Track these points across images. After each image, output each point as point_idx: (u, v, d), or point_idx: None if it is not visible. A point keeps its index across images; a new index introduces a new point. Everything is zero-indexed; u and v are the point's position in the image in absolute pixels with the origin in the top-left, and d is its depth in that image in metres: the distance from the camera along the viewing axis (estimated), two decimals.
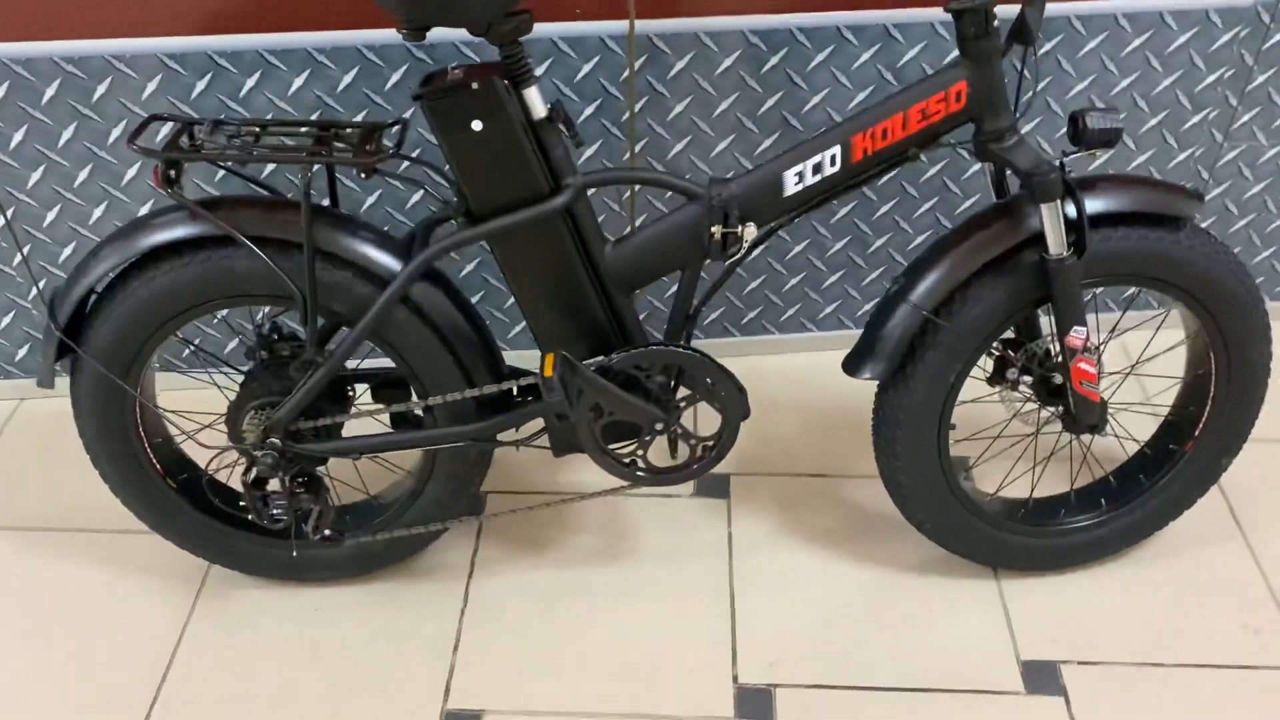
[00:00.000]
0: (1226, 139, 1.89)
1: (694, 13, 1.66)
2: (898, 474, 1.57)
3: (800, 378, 2.07)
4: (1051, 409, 1.58)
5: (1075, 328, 1.43)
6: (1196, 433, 1.61)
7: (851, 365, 1.51)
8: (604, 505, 1.81)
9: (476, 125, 1.30)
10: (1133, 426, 1.81)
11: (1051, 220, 1.36)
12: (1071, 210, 1.37)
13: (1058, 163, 1.40)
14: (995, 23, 1.30)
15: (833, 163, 1.38)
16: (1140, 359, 1.74)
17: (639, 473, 1.55)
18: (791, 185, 1.39)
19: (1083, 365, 1.47)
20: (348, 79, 1.67)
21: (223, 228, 1.35)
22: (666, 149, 1.80)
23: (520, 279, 1.43)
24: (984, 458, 1.82)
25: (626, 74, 1.71)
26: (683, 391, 1.52)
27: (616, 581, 1.69)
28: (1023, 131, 1.37)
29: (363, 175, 1.34)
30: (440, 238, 1.38)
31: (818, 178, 1.39)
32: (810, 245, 1.94)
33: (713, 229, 1.39)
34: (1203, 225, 1.94)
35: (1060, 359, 1.48)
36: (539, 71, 1.69)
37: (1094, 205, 1.40)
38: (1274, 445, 1.62)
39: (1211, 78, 1.81)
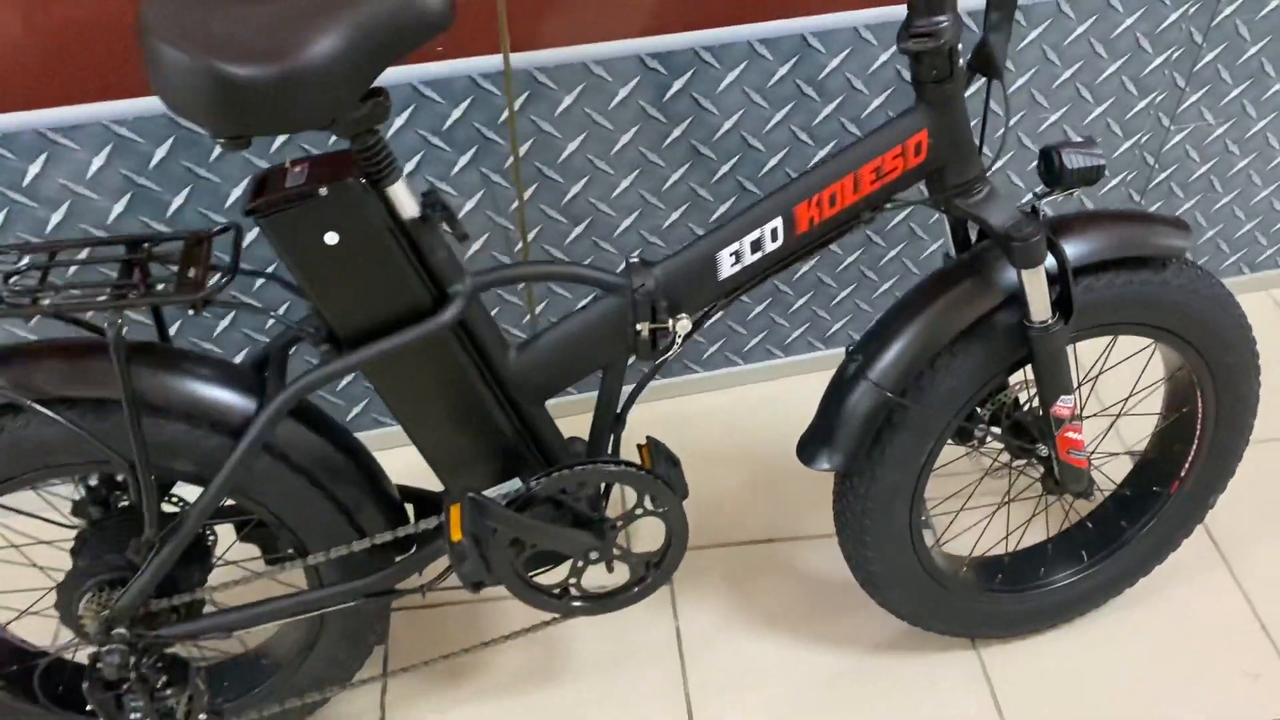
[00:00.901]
0: (1173, 122, 1.71)
1: (579, 39, 1.38)
2: (868, 563, 1.37)
3: (731, 419, 1.86)
4: (1024, 460, 1.40)
5: (1062, 397, 1.24)
6: (1182, 473, 1.45)
7: (807, 452, 1.29)
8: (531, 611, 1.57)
9: (330, 238, 1.02)
10: (1106, 468, 1.65)
11: (1035, 287, 1.16)
12: (1051, 261, 1.17)
13: (1030, 207, 1.19)
14: (960, 61, 1.08)
15: (774, 237, 1.14)
16: (1122, 407, 1.56)
17: (574, 603, 1.31)
18: (728, 267, 1.15)
19: (1070, 434, 1.28)
20: (161, 152, 1.35)
21: (7, 394, 1.05)
22: (560, 193, 1.53)
23: (406, 408, 1.17)
24: (954, 515, 1.63)
25: (506, 115, 1.43)
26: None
27: (554, 709, 1.46)
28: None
29: (191, 311, 1.05)
30: (303, 366, 1.10)
31: (758, 255, 1.15)
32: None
33: (638, 325, 1.15)
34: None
35: (1044, 425, 1.29)
36: (399, 121, 1.40)
37: (1074, 253, 1.20)
38: (1246, 466, 1.47)
39: (1159, 60, 1.62)
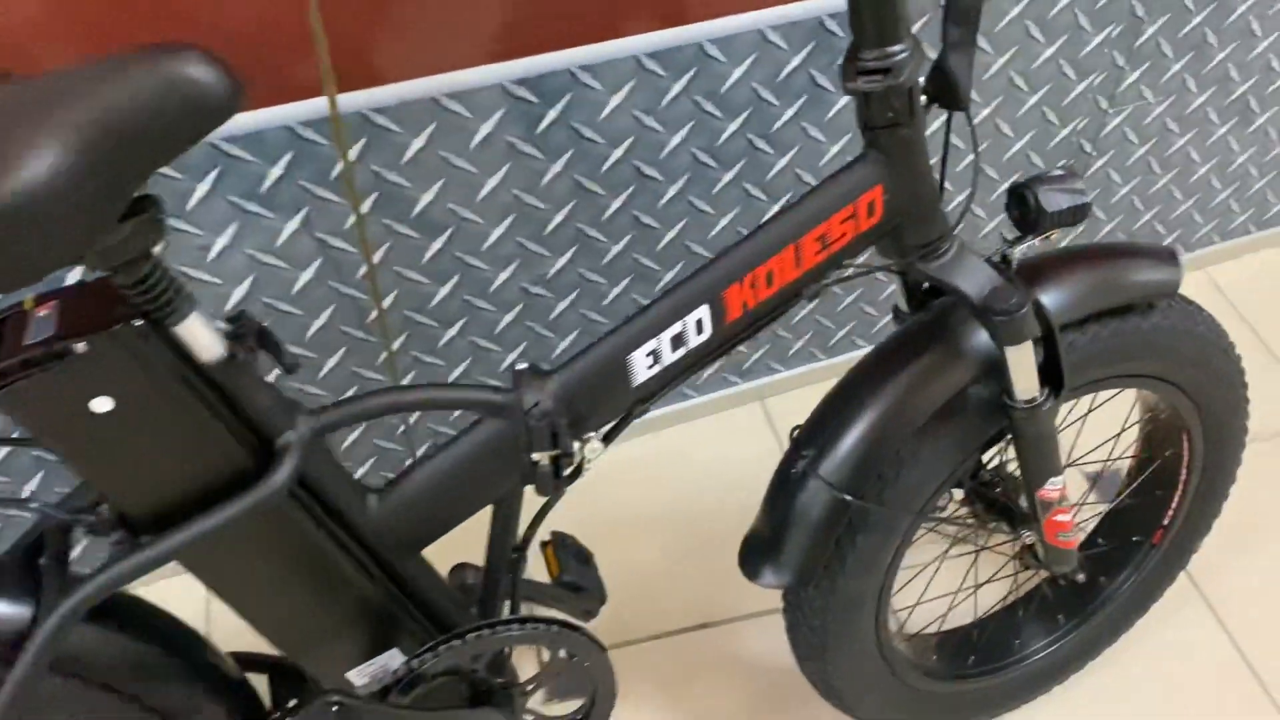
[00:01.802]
0: (1112, 104, 1.51)
1: (425, 71, 1.09)
2: (830, 679, 1.15)
3: (644, 472, 1.61)
4: (993, 524, 1.20)
5: (1051, 480, 1.04)
6: (1166, 520, 1.28)
7: (750, 564, 1.06)
8: None
9: (100, 405, 0.73)
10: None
11: (1021, 363, 0.94)
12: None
13: (1002, 257, 0.97)
14: (922, 99, 0.84)
15: (700, 329, 0.89)
16: (1106, 455, 1.36)
17: None
18: (644, 370, 0.90)
19: (1059, 518, 1.08)
20: None
21: None
22: (419, 252, 1.25)
23: (237, 592, 0.89)
24: (912, 606, 1.42)
25: (340, 168, 1.14)
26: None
27: None
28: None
29: None
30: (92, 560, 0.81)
31: (681, 353, 0.90)
32: None
33: (534, 456, 0.89)
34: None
35: (1030, 511, 1.08)
36: (202, 190, 1.09)
37: (1055, 307, 0.99)
38: None
39: (1099, 39, 1.42)
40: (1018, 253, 0.97)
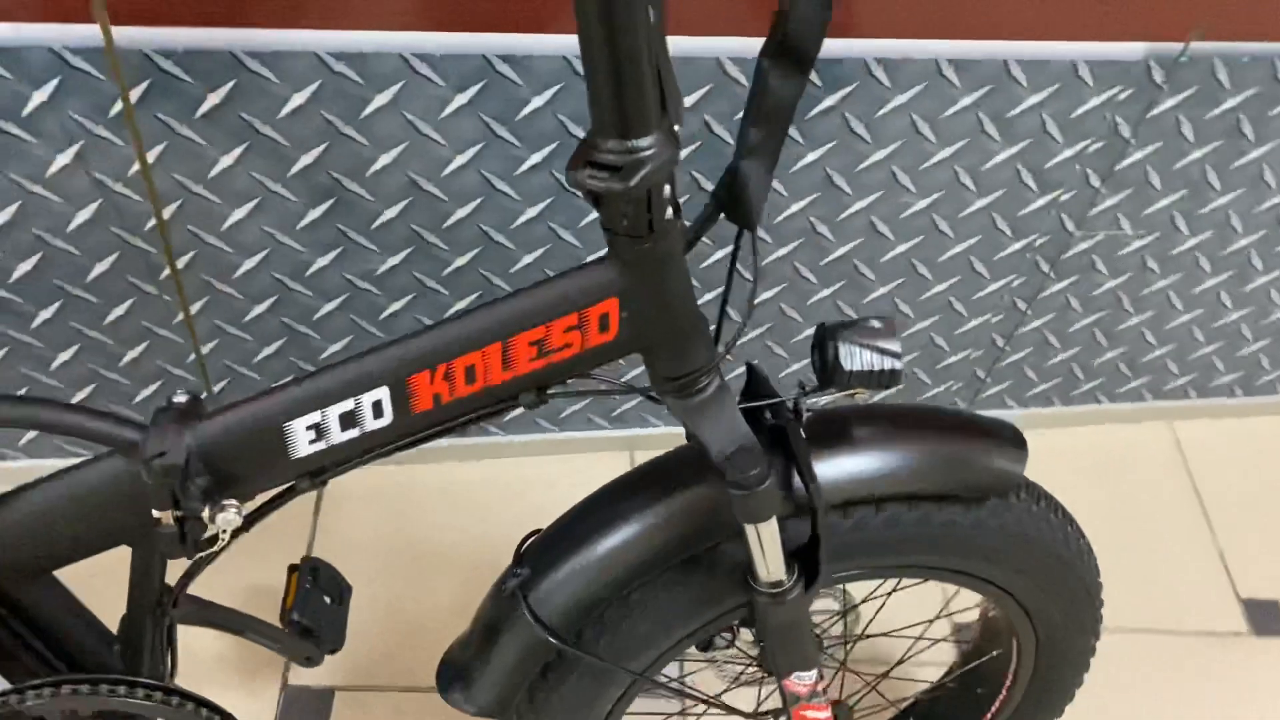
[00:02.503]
0: (1080, 227, 1.31)
1: (216, 21, 0.93)
2: None
3: (477, 500, 1.46)
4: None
5: (798, 673, 0.87)
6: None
7: (443, 678, 0.91)
8: None
9: None
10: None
11: (761, 542, 0.77)
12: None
13: (790, 404, 0.80)
14: (668, 214, 0.66)
15: (378, 412, 0.73)
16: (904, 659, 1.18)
17: None
18: (305, 444, 0.74)
19: (809, 713, 0.91)
20: None
21: None
22: (218, 217, 1.10)
23: None
24: None
25: (120, 108, 0.99)
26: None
27: None
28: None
29: None
30: None
31: (353, 433, 0.74)
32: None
33: (157, 512, 0.74)
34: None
35: (781, 704, 0.92)
36: None
37: (840, 478, 0.81)
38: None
39: (1070, 152, 1.21)
40: (810, 403, 0.80)
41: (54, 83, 0.96)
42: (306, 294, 1.20)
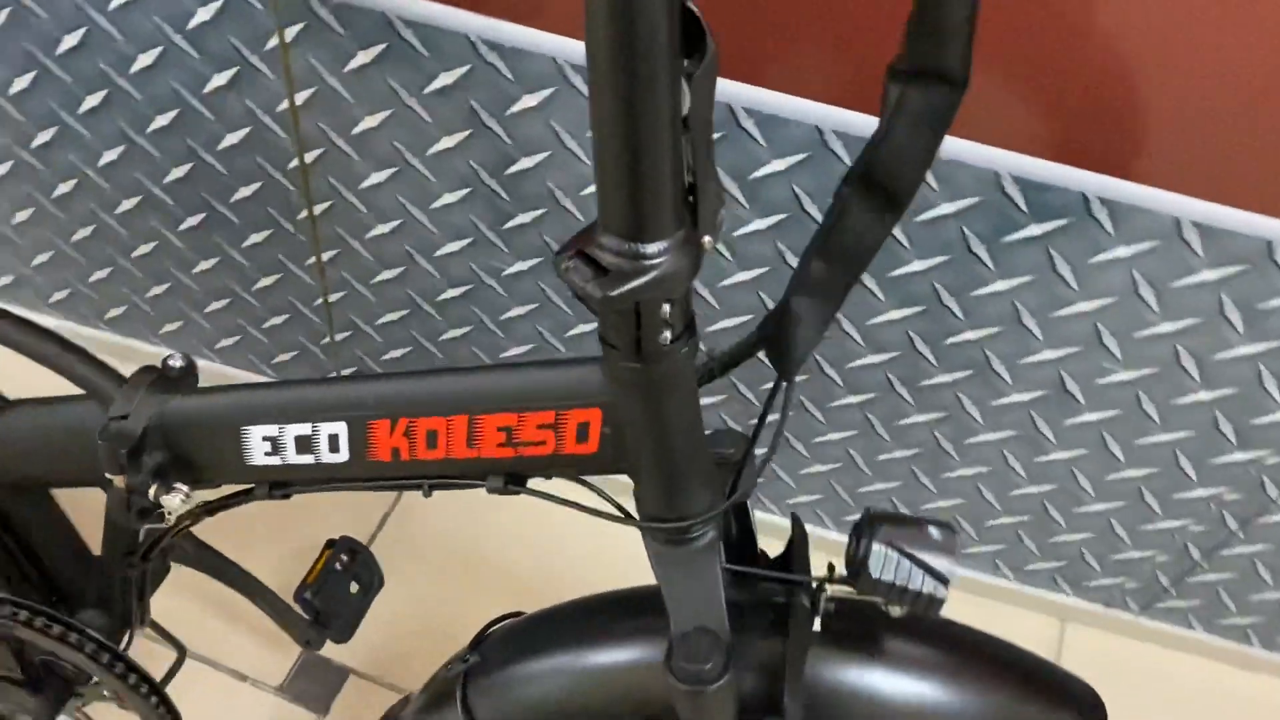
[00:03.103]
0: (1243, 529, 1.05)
1: None
2: None
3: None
4: None
5: None
6: None
7: None
8: None
9: None
10: None
11: None
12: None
13: (810, 589, 0.65)
14: (665, 337, 0.53)
15: (334, 447, 0.65)
16: None
17: None
18: (260, 453, 0.67)
19: None
20: None
21: None
22: (357, 175, 1.06)
23: None
24: None
25: (275, 43, 0.96)
26: None
27: None
28: None
29: None
30: None
31: (307, 459, 0.66)
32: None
33: (112, 475, 0.70)
34: None
35: None
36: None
37: (841, 696, 0.66)
38: None
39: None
40: (827, 595, 0.65)
41: (218, 4, 0.94)
42: (434, 274, 1.15)
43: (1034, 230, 0.92)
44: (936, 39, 0.46)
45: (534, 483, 0.65)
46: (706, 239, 0.51)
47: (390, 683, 1.23)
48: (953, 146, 0.87)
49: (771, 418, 0.65)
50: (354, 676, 1.23)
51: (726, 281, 1.05)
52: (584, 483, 0.64)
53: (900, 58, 0.48)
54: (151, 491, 0.69)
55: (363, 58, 0.95)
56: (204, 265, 1.23)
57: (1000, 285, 0.98)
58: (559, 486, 0.64)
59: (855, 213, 0.54)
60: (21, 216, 1.25)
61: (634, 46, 0.42)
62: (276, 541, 1.20)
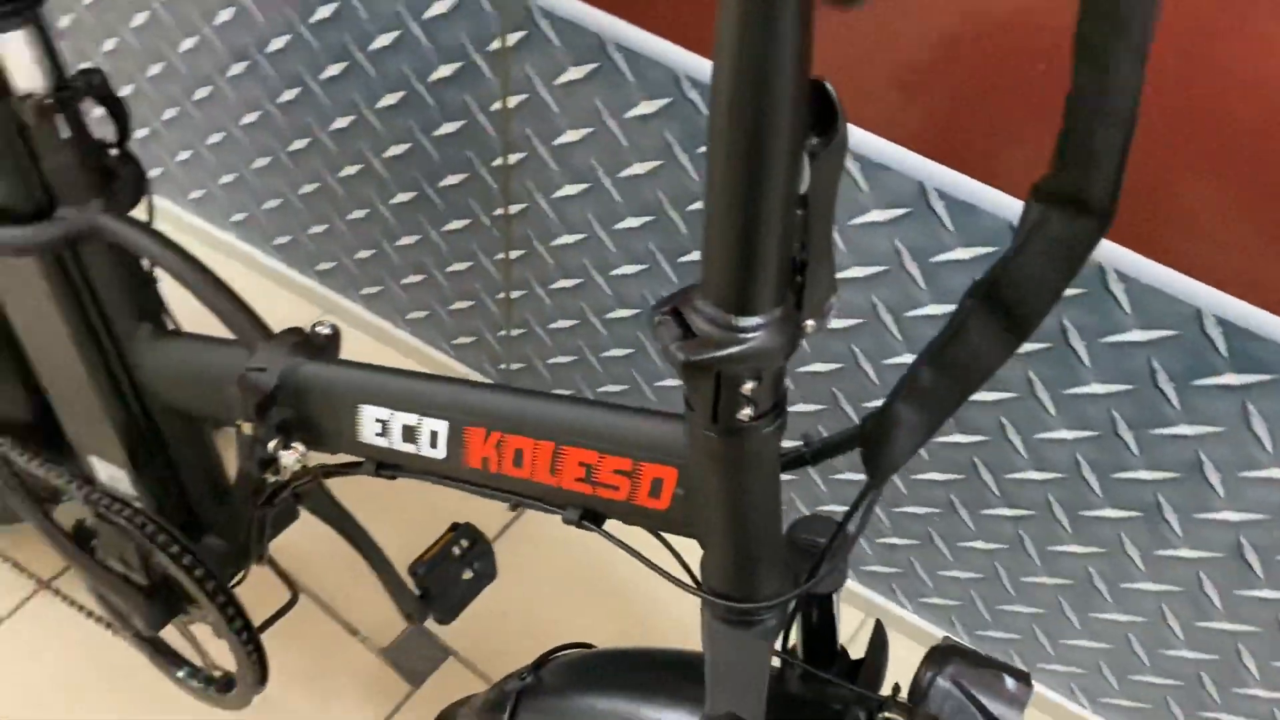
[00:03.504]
0: None
1: (602, 4, 0.89)
2: None
3: None
4: None
5: None
6: None
7: None
8: None
9: None
10: None
11: None
12: None
13: (870, 705, 0.61)
14: (745, 414, 0.50)
15: (434, 443, 0.67)
16: None
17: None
18: (371, 432, 0.70)
19: None
20: None
21: None
22: (552, 182, 1.08)
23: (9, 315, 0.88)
24: None
25: (497, 45, 1.00)
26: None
27: None
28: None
29: None
30: None
31: (410, 448, 0.69)
32: None
33: (243, 422, 0.75)
34: None
35: None
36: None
37: None
38: None
39: None
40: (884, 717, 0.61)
41: (449, 2, 0.99)
42: (607, 291, 1.16)
43: (1232, 379, 0.83)
44: (1083, 164, 0.42)
45: (612, 525, 0.64)
46: (810, 323, 0.49)
47: (484, 673, 1.25)
48: (1154, 271, 0.80)
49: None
50: (453, 659, 1.26)
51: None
52: (659, 537, 0.63)
53: (1045, 177, 0.44)
54: (272, 445, 0.73)
55: (574, 73, 0.97)
56: (406, 240, 1.30)
57: (1185, 429, 0.89)
58: (636, 536, 0.63)
59: (976, 328, 0.50)
60: (261, 163, 1.35)
61: (754, 116, 0.41)
62: (408, 514, 1.24)
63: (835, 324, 1.01)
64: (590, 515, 0.64)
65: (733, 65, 0.40)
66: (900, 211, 0.89)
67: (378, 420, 0.69)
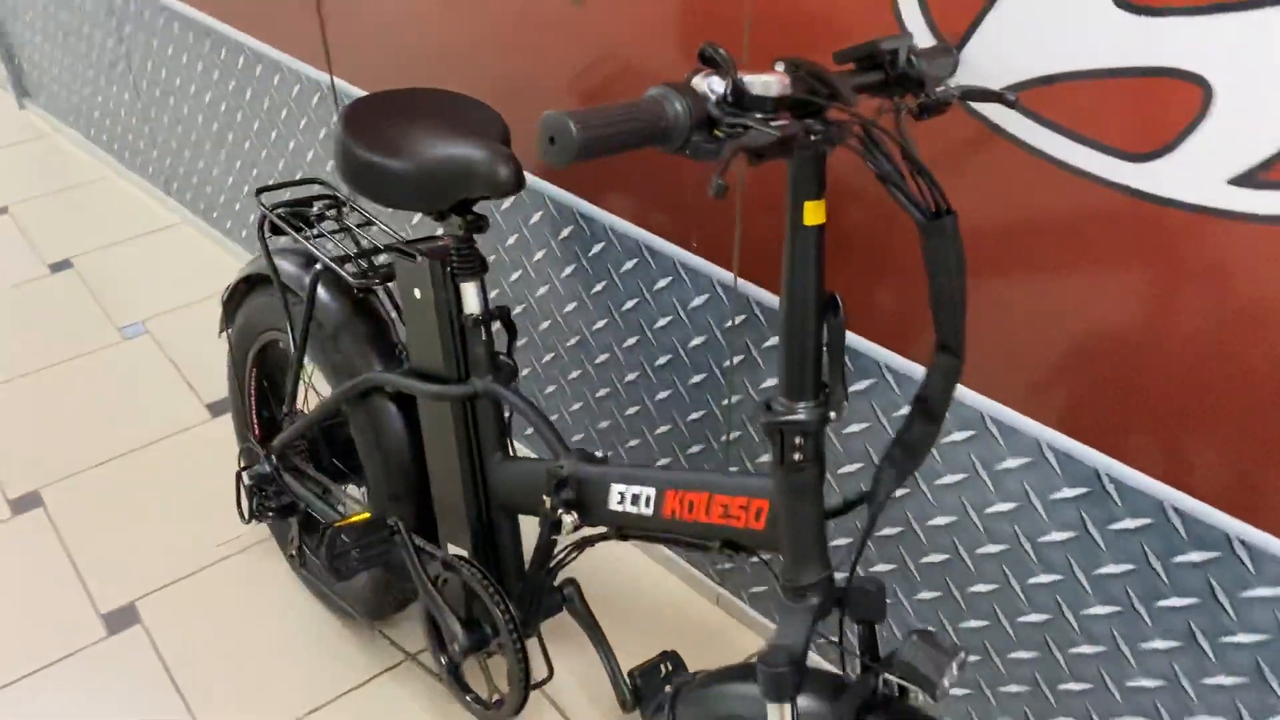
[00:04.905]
0: None
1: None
2: None
3: None
4: None
5: None
6: None
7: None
8: None
9: (417, 293, 1.39)
10: None
11: None
12: None
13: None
14: (797, 457, 1.00)
15: (646, 504, 1.19)
16: None
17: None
18: (615, 500, 1.24)
19: None
20: None
21: None
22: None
23: (426, 435, 1.49)
24: None
25: (730, 324, 1.59)
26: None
27: None
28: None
29: None
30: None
31: (634, 509, 1.21)
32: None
33: (545, 497, 1.30)
34: None
35: None
36: (662, 284, 1.66)
37: None
38: None
39: None
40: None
41: (704, 297, 1.60)
42: None
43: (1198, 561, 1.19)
44: (944, 327, 0.91)
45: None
46: (832, 414, 0.99)
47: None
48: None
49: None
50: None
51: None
52: (766, 564, 1.10)
53: (936, 339, 0.94)
54: (559, 511, 1.27)
55: (769, 341, 1.53)
56: (661, 429, 1.85)
57: (1177, 601, 1.22)
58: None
59: (916, 419, 0.97)
60: (602, 392, 1.98)
61: (793, 307, 0.95)
62: (634, 637, 1.71)
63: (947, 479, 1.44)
64: (728, 544, 1.12)
65: (788, 291, 0.94)
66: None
67: (619, 493, 1.22)
